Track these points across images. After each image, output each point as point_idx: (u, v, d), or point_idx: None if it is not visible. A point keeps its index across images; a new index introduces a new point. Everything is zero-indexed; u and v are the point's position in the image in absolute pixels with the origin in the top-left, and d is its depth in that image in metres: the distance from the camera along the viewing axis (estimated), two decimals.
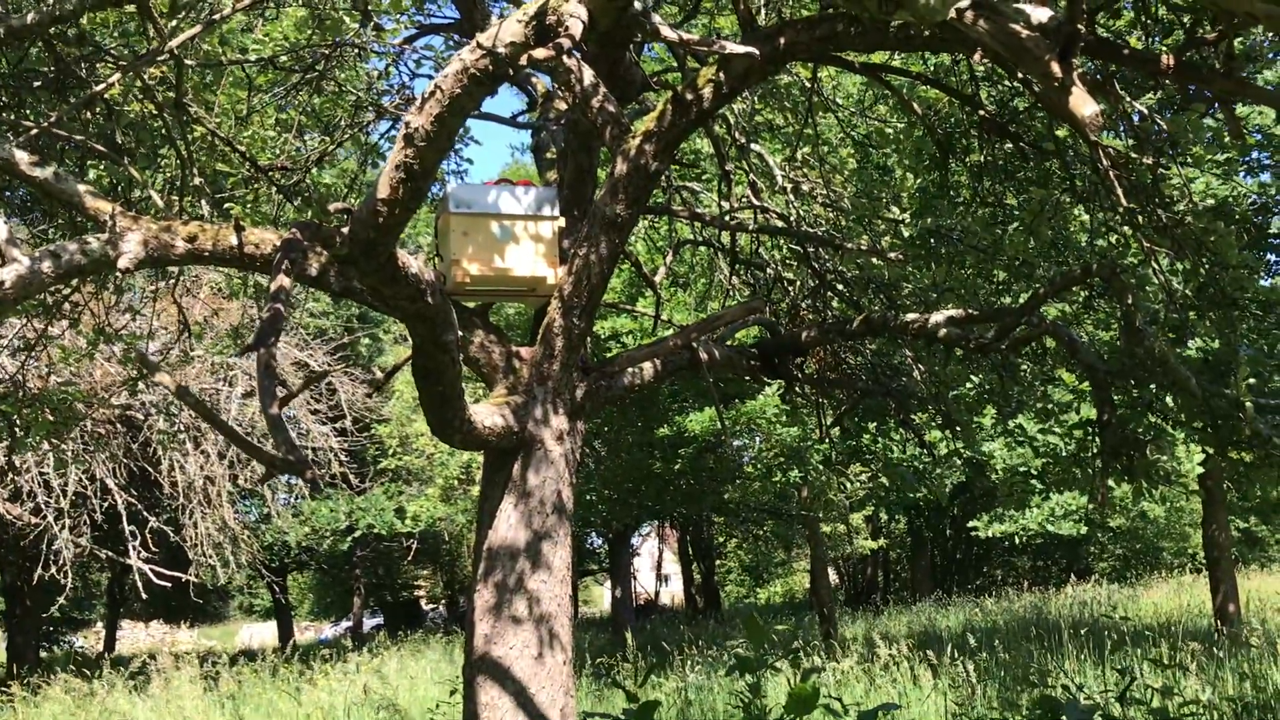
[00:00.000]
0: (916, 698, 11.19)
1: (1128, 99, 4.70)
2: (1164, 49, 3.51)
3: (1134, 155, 5.05)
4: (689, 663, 14.72)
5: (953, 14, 1.60)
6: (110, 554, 15.90)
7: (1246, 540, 33.27)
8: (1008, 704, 10.03)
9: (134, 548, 14.31)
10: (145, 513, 15.30)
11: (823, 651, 14.82)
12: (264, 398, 2.92)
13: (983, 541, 27.76)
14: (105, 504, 15.22)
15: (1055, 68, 1.56)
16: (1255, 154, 13.87)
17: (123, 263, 4.73)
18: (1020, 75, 4.68)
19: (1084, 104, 1.60)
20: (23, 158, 5.11)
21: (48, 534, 14.44)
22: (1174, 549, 33.43)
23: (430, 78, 8.12)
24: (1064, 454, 11.55)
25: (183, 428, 15.27)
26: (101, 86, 5.51)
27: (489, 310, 6.25)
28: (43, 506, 14.11)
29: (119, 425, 15.42)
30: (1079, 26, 1.57)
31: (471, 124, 14.30)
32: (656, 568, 42.31)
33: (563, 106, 6.84)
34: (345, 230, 4.02)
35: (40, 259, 4.85)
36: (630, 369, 6.36)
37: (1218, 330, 6.71)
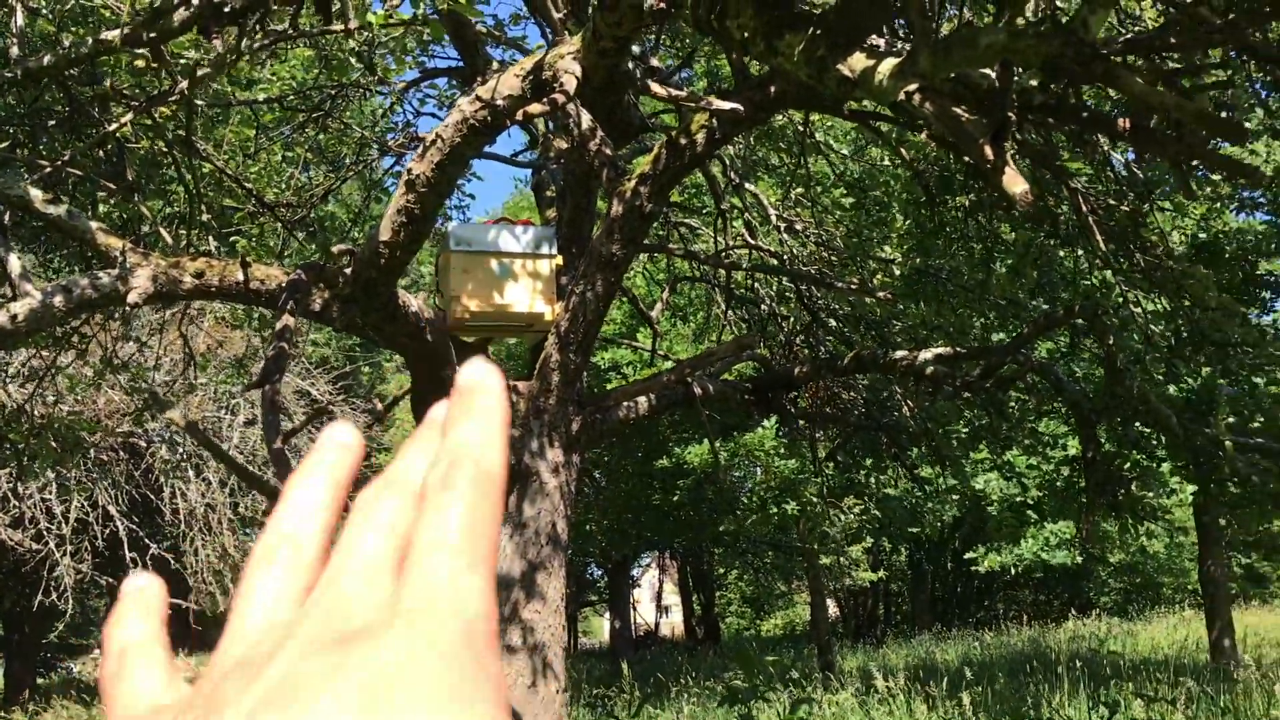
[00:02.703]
0: None
1: (1105, 146, 4.87)
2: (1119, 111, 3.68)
3: (1112, 201, 5.22)
4: (685, 694, 14.76)
5: (902, 96, 1.75)
6: (111, 580, 15.99)
7: (1249, 577, 33.20)
8: None
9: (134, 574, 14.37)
10: (146, 540, 15.40)
11: (820, 684, 14.87)
12: (269, 433, 3.06)
13: (983, 575, 27.76)
14: (107, 530, 15.32)
15: (988, 150, 1.71)
16: (1247, 193, 14.02)
17: (132, 297, 4.89)
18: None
19: (1015, 183, 1.74)
20: (37, 195, 5.28)
21: (49, 560, 14.54)
22: (1173, 584, 33.36)
23: (433, 115, 8.33)
24: (1059, 484, 11.67)
25: (185, 456, 15.39)
26: (114, 126, 5.69)
27: (489, 343, 6.40)
28: (44, 533, 14.22)
29: (121, 452, 15.55)
30: (1010, 113, 1.73)
31: (473, 161, 14.48)
32: (656, 598, 42.20)
33: (562, 146, 7.01)
34: (348, 270, 4.17)
35: (52, 293, 5.01)
36: (625, 403, 6.50)
37: (1210, 368, 6.84)
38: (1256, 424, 6.91)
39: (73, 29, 5.84)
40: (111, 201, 6.74)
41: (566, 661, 5.87)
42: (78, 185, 6.54)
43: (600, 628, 49.79)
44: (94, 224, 5.18)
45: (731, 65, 5.03)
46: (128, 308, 5.08)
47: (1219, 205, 12.79)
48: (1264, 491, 6.42)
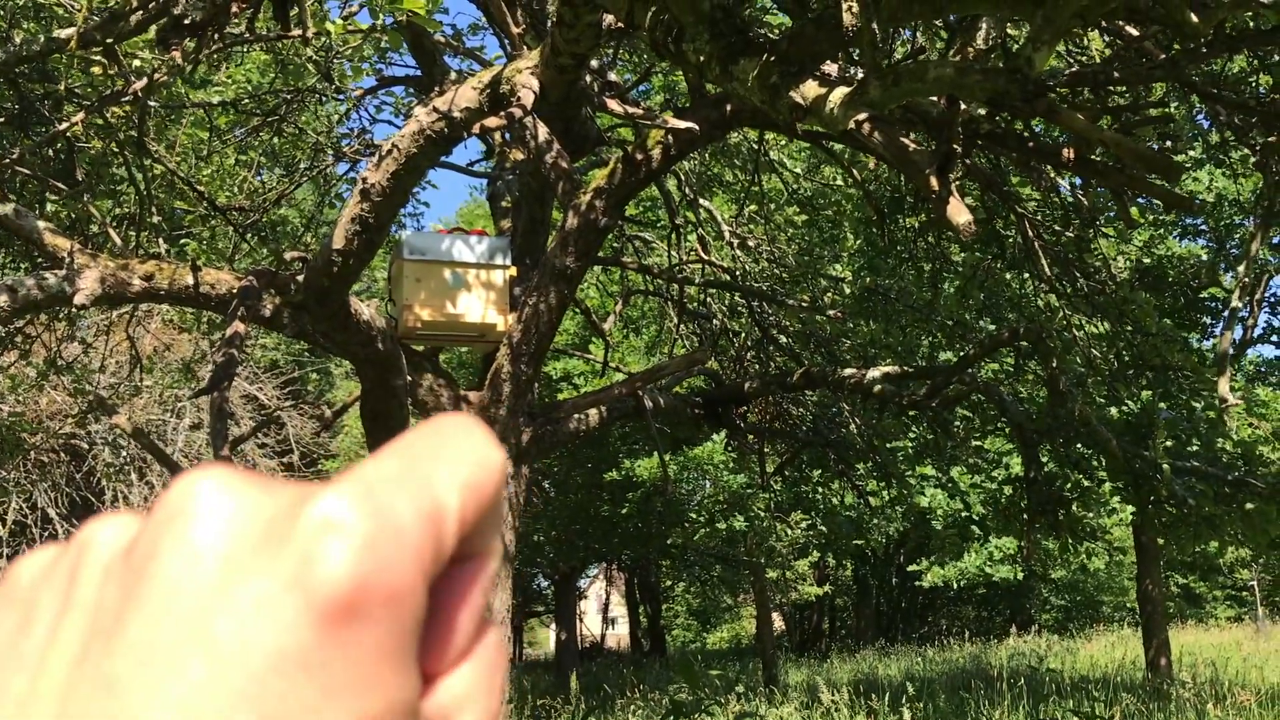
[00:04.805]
0: None
1: (1052, 172, 4.98)
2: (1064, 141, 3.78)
3: (1058, 228, 5.34)
4: (631, 706, 14.75)
5: (852, 125, 1.80)
6: None
7: (1185, 597, 33.85)
8: None
9: None
10: None
11: (764, 697, 14.92)
12: (215, 440, 3.05)
13: (927, 591, 28.05)
14: (45, 533, 15.02)
15: (934, 181, 1.76)
16: (1189, 220, 14.36)
17: (79, 299, 4.83)
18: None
19: (959, 214, 1.80)
20: None
21: None
22: (1113, 602, 33.94)
23: (390, 123, 8.33)
24: (1002, 502, 11.86)
25: (128, 459, 15.15)
26: (65, 125, 5.62)
27: (439, 353, 6.39)
28: None
29: (62, 454, 15.27)
30: (955, 146, 1.79)
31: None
32: (603, 610, 42.14)
33: (519, 157, 7.02)
34: (300, 277, 4.15)
35: None
36: (576, 415, 6.52)
37: (1150, 392, 7.02)
38: (1194, 447, 7.09)
39: (24, 26, 5.77)
40: (60, 201, 6.65)
41: (512, 673, 5.87)
42: (26, 184, 6.45)
43: (546, 639, 49.56)
44: (41, 224, 5.12)
45: (688, 83, 5.09)
46: (74, 309, 5.03)
47: (1161, 231, 13.10)
48: (1199, 514, 6.60)
